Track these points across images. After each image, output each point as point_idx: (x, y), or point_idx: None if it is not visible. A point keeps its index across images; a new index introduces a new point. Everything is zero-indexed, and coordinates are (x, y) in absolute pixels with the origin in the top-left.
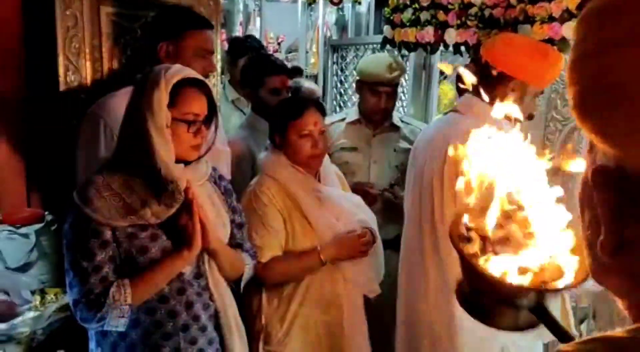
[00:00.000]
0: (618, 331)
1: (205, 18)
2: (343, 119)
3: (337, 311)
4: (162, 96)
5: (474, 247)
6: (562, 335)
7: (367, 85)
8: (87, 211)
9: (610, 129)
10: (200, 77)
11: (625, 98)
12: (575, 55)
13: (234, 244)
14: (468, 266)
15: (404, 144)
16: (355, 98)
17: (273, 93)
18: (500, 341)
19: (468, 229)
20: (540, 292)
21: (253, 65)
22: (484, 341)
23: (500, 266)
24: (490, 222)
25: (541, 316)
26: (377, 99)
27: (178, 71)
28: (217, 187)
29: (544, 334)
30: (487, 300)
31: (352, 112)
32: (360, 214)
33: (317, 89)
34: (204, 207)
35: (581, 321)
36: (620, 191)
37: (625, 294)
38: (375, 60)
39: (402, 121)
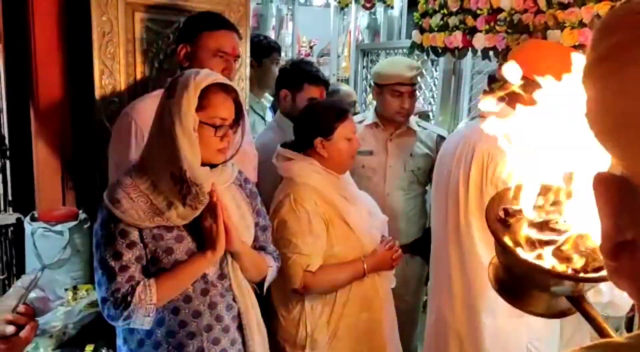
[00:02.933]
0: (619, 337)
1: (222, 19)
2: (361, 122)
3: (376, 307)
4: (190, 100)
5: (512, 231)
6: (597, 326)
7: (387, 87)
8: (115, 212)
9: (613, 142)
10: (228, 81)
11: (616, 112)
12: (585, 65)
13: (258, 246)
14: (504, 250)
15: (420, 149)
16: None
17: (309, 101)
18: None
19: (506, 212)
20: (578, 280)
21: (297, 68)
22: (509, 346)
23: (538, 252)
24: (527, 205)
25: (578, 305)
26: (399, 100)
27: (207, 76)
28: (243, 190)
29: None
30: (523, 285)
31: (369, 115)
32: (379, 213)
33: (354, 92)
34: (228, 210)
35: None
36: (619, 196)
37: (635, 296)
38: (392, 62)
39: (419, 125)
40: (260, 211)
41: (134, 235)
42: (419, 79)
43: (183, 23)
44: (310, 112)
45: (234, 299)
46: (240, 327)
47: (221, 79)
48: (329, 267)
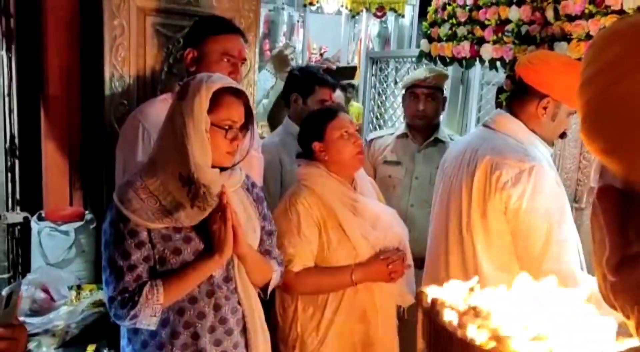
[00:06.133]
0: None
1: (227, 23)
2: (392, 134)
3: (371, 320)
4: (202, 101)
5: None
6: None
7: (407, 91)
8: (125, 211)
9: (613, 149)
10: (239, 86)
11: (625, 119)
12: (581, 80)
13: (263, 250)
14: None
15: None
16: (392, 110)
17: (320, 103)
18: None
19: (435, 301)
20: None
21: (307, 72)
22: None
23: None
24: (457, 294)
25: None
26: (415, 102)
27: (219, 79)
28: (249, 194)
29: None
30: None
31: (401, 127)
32: (395, 226)
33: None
34: (236, 213)
35: None
36: (624, 209)
37: (631, 310)
38: (416, 70)
39: (451, 138)
40: (266, 215)
41: (143, 235)
42: (445, 86)
43: (189, 28)
44: (304, 121)
45: (238, 302)
46: (244, 331)
47: (232, 83)
48: (315, 270)
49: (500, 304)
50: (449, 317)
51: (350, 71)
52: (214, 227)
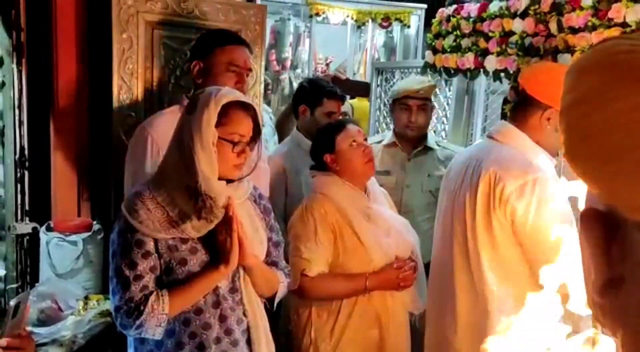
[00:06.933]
0: None
1: (232, 34)
2: (380, 141)
3: (384, 325)
4: (211, 115)
5: None
6: None
7: (397, 101)
8: (132, 222)
9: (594, 174)
10: (248, 100)
11: (602, 147)
12: (561, 107)
13: (270, 261)
14: None
15: (439, 169)
16: None
17: (328, 115)
18: None
19: None
20: None
21: (316, 84)
22: None
23: None
24: None
25: None
26: (407, 114)
27: (227, 93)
28: (257, 205)
29: None
30: None
31: (388, 135)
32: (406, 234)
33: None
34: (243, 224)
35: None
36: (608, 232)
37: (617, 332)
38: (406, 79)
39: (439, 145)
40: (273, 226)
41: (150, 245)
42: (433, 97)
43: (195, 41)
44: (315, 135)
45: (244, 313)
46: (249, 342)
47: (241, 97)
48: (329, 276)
49: None
50: None
51: (362, 87)
52: (220, 239)
